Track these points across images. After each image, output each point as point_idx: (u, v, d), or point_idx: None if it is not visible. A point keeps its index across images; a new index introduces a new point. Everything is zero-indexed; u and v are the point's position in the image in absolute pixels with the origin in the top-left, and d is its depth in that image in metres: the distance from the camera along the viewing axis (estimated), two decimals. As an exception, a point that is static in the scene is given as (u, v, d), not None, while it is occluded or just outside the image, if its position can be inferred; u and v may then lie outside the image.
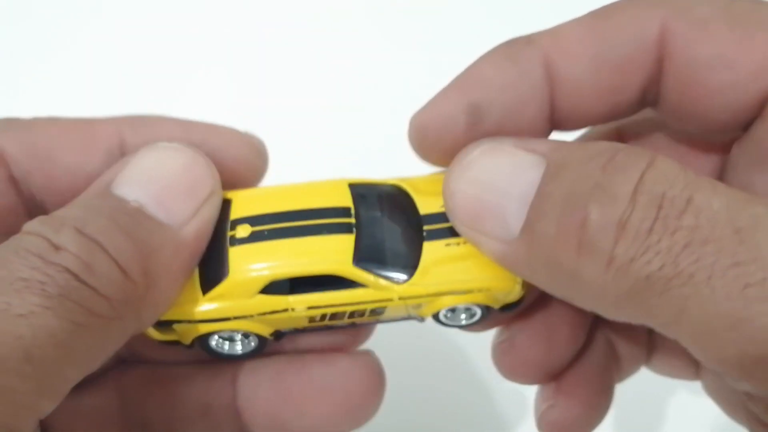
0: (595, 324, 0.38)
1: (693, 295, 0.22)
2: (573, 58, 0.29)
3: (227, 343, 0.32)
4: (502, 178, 0.27)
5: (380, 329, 0.34)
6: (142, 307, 0.27)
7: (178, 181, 0.28)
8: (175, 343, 0.32)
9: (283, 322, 0.30)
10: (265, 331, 0.31)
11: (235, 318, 0.30)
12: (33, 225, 0.25)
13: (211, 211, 0.29)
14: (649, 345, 0.39)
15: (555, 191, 0.25)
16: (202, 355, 0.34)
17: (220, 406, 0.34)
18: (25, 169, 0.30)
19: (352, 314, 0.30)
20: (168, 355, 0.35)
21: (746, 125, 0.30)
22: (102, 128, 0.30)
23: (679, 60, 0.28)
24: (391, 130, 0.37)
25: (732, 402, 0.37)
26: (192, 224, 0.28)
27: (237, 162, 0.31)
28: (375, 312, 0.30)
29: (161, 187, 0.28)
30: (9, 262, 0.24)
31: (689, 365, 0.39)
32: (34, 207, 0.30)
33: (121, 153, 0.30)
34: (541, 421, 0.37)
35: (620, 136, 0.36)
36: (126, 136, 0.31)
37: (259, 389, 0.34)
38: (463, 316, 0.31)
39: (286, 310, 0.29)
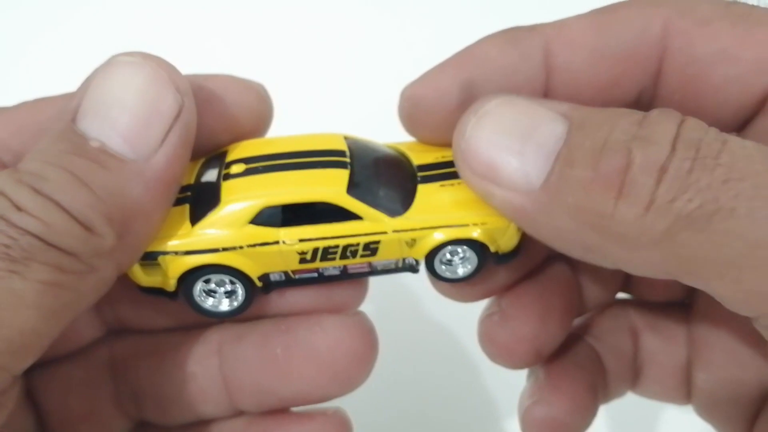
0: (581, 330, 0.38)
1: (735, 228, 0.22)
2: (573, 49, 0.29)
3: (210, 299, 0.30)
4: (522, 129, 0.26)
5: (373, 303, 0.33)
6: (118, 253, 0.26)
7: (140, 106, 0.26)
8: (158, 292, 0.30)
9: (273, 261, 0.29)
10: (254, 270, 0.29)
11: (224, 249, 0.28)
12: None
13: (181, 132, 0.27)
14: (636, 366, 0.38)
15: (587, 141, 0.25)
16: (188, 315, 0.32)
17: (206, 374, 0.32)
18: (17, 152, 0.29)
19: (344, 253, 0.29)
20: (155, 321, 0.33)
21: (745, 122, 0.30)
22: None
23: (681, 56, 0.29)
24: (378, 106, 0.36)
25: (728, 419, 0.35)
26: (161, 152, 0.26)
27: (239, 109, 0.30)
28: (368, 250, 0.29)
29: (122, 117, 0.26)
30: None
31: (680, 385, 0.37)
32: None
33: None
34: (525, 418, 0.35)
35: None
36: None
37: (244, 355, 0.32)
38: (460, 268, 0.30)
39: (277, 242, 0.28)
